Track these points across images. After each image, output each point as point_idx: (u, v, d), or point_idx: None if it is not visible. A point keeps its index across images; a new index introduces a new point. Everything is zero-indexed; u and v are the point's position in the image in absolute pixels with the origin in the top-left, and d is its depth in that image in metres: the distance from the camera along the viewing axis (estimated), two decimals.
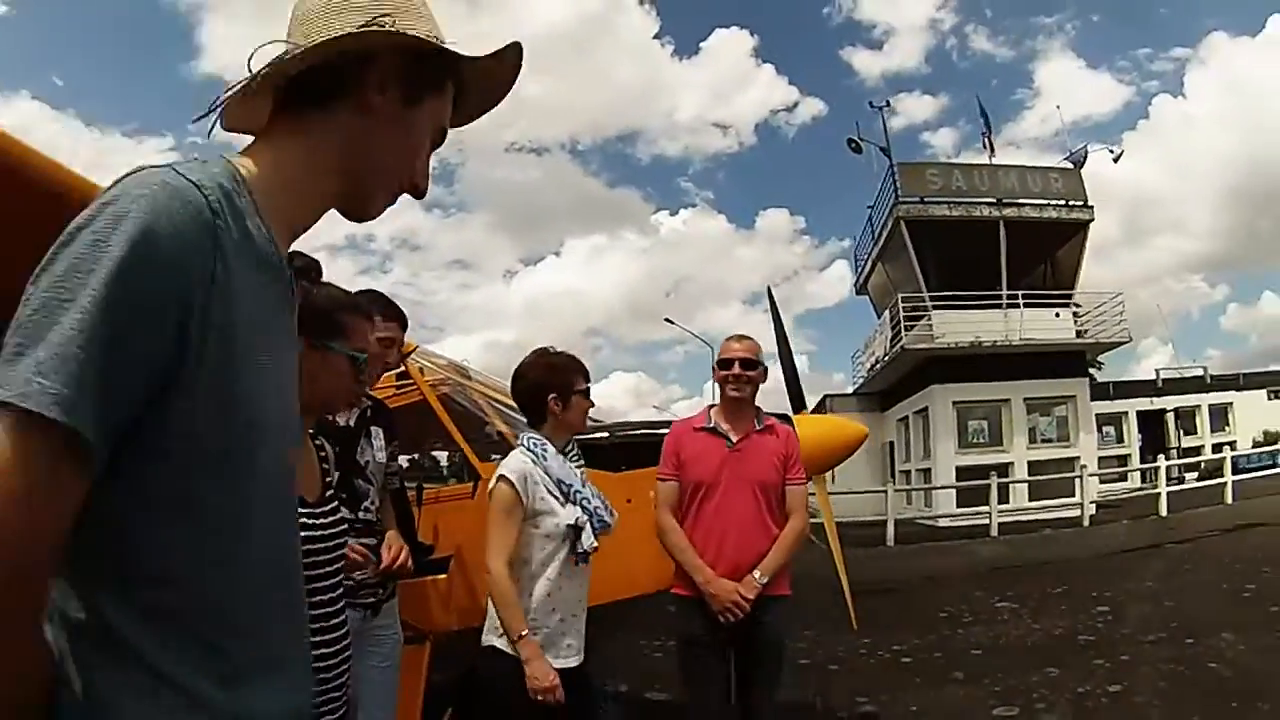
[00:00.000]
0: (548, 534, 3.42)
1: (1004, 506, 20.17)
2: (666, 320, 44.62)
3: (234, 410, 1.09)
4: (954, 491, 22.31)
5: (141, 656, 1.02)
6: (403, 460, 5.43)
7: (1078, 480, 20.46)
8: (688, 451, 4.15)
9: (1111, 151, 30.09)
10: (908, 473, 27.34)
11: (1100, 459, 26.70)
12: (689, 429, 4.24)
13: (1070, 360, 24.83)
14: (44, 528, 0.92)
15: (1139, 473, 26.66)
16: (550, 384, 3.63)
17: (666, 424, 4.67)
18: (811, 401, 35.12)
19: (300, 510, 2.10)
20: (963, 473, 22.92)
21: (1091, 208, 25.93)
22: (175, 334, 0.99)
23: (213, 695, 1.07)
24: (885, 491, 20.26)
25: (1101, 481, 24.66)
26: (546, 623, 3.41)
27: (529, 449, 3.51)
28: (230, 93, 1.23)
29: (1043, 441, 24.62)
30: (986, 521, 19.15)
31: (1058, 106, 50.60)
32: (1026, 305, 24.60)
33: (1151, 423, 34.21)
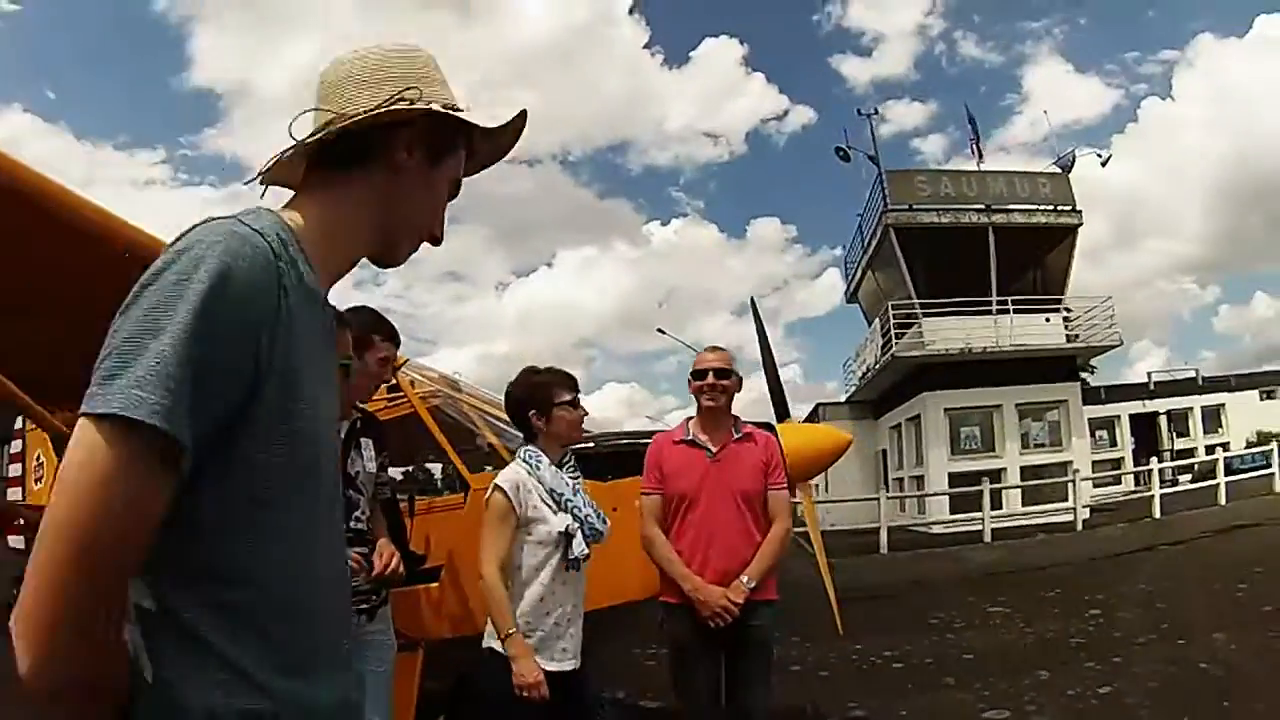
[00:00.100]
0: (540, 541, 3.55)
1: (997, 512, 20.20)
2: (659, 331, 44.56)
3: (297, 428, 1.24)
4: (947, 498, 22.34)
5: (211, 648, 1.14)
6: (396, 473, 5.47)
7: (1070, 484, 20.49)
8: (669, 465, 4.20)
9: (1099, 155, 30.15)
10: (901, 480, 27.30)
11: (1094, 463, 26.79)
12: (669, 442, 4.30)
13: (1061, 365, 24.82)
14: (140, 528, 1.07)
15: (1132, 476, 26.76)
16: (530, 400, 3.78)
17: (651, 433, 4.72)
18: (804, 410, 35.15)
19: None
20: (956, 479, 22.90)
21: (1080, 212, 25.96)
22: (250, 359, 1.15)
23: (275, 684, 1.19)
24: (878, 499, 20.24)
25: (1095, 485, 24.82)
26: (541, 626, 3.51)
27: (524, 460, 3.66)
28: (280, 156, 1.41)
29: (1035, 446, 24.59)
30: (980, 527, 19.20)
31: (1045, 111, 50.88)
32: (1016, 311, 24.62)
33: (1144, 425, 34.40)
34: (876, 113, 31.97)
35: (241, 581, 1.19)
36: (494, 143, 1.62)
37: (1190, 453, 31.31)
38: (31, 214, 3.08)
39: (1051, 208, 25.97)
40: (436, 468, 5.67)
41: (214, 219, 1.21)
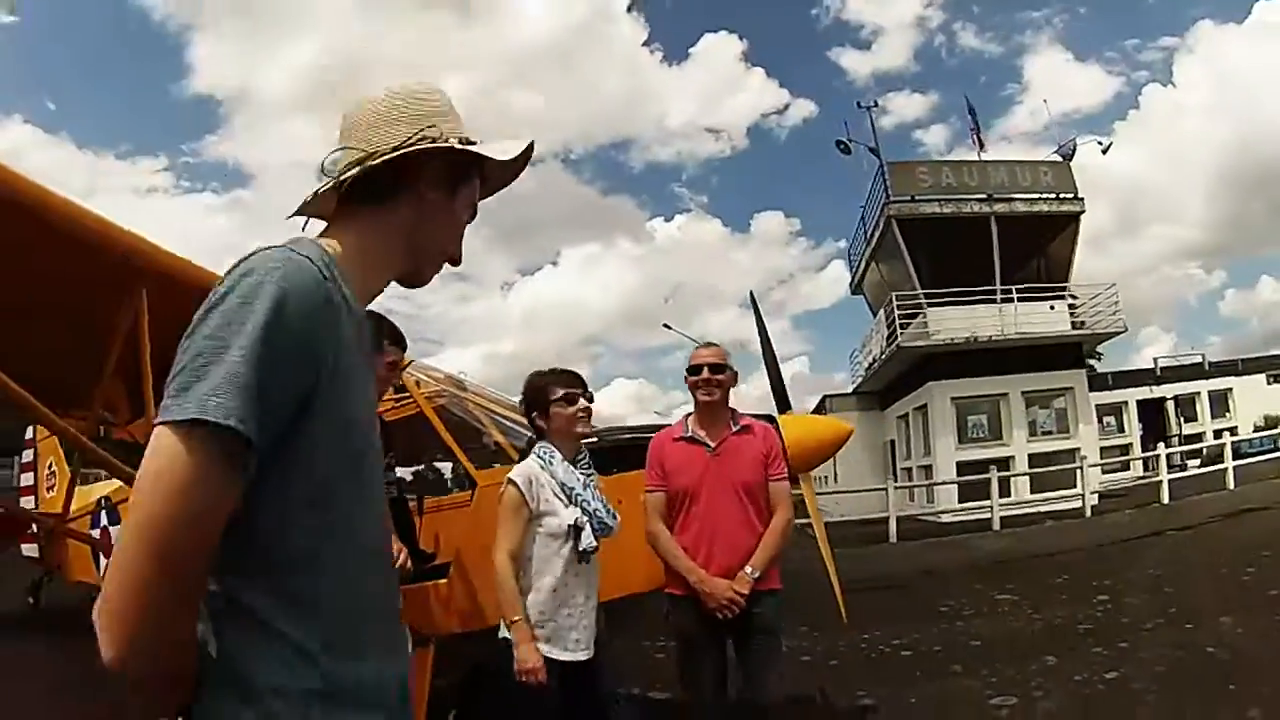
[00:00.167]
0: (551, 533, 3.68)
1: (1005, 500, 20.23)
2: (665, 326, 44.65)
3: (348, 431, 1.38)
4: (955, 487, 22.33)
5: (273, 631, 1.26)
6: (405, 473, 5.52)
7: (1078, 471, 20.47)
8: (670, 461, 4.27)
9: (1100, 143, 30.14)
10: (909, 470, 27.34)
11: (1102, 449, 26.75)
12: (669, 439, 4.37)
13: (1067, 352, 24.82)
14: (215, 525, 1.19)
15: (1140, 461, 26.70)
16: (532, 403, 3.96)
17: (655, 428, 4.77)
18: (811, 402, 35.28)
19: None
20: (963, 468, 22.90)
21: (1082, 200, 25.93)
22: (308, 368, 1.28)
23: (334, 664, 1.31)
24: (886, 489, 20.24)
25: (1104, 471, 24.72)
26: (554, 616, 3.64)
27: (538, 455, 3.81)
28: (319, 191, 1.56)
29: (1042, 434, 24.60)
30: (988, 515, 19.16)
31: (1044, 100, 50.73)
32: (1021, 299, 24.62)
33: (1152, 411, 34.29)
34: (876, 105, 31.96)
35: (301, 569, 1.31)
36: (505, 170, 1.73)
37: (1198, 438, 31.17)
38: (34, 226, 3.14)
39: (1053, 196, 25.94)
40: (443, 466, 5.71)
41: (268, 248, 1.33)
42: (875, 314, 29.82)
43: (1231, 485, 19.80)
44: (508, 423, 5.51)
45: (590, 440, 4.11)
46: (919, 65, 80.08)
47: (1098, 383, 31.62)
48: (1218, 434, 29.18)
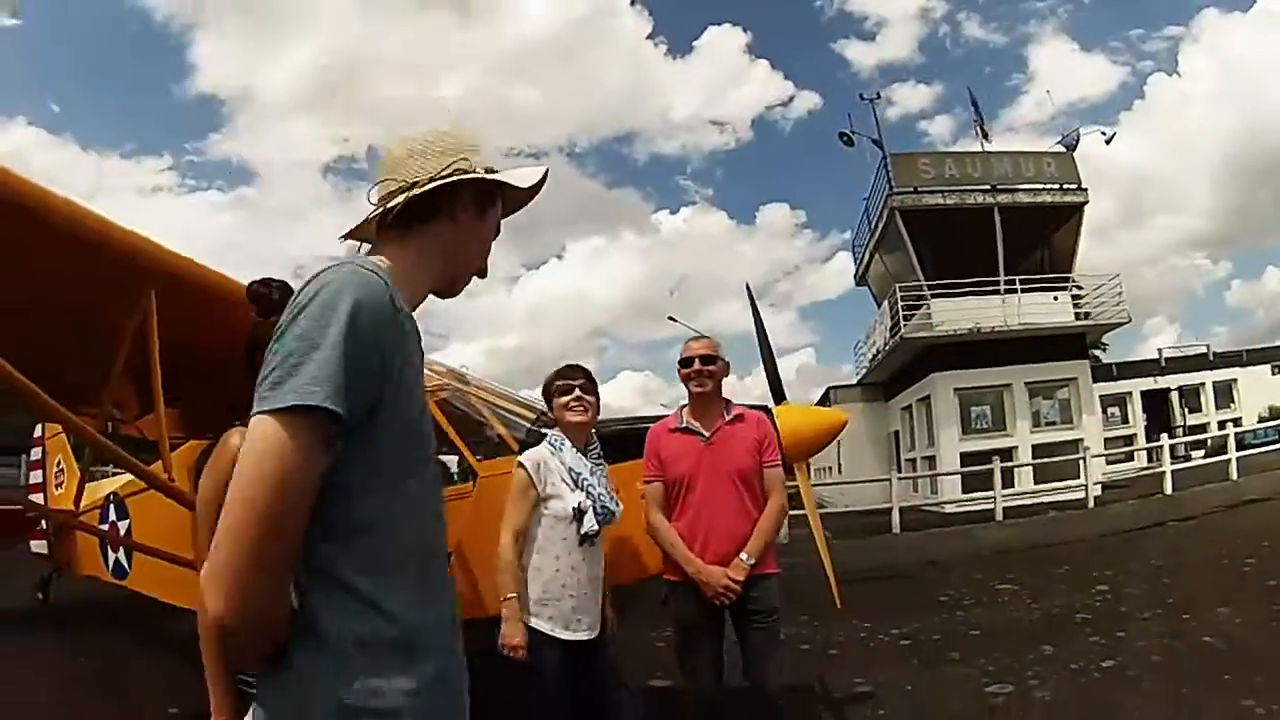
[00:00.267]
0: (556, 515, 3.86)
1: (1009, 491, 20.22)
2: (670, 319, 44.72)
3: (411, 410, 1.62)
4: (959, 477, 22.25)
5: (352, 587, 1.48)
6: None
7: (1081, 462, 20.49)
8: (666, 452, 4.36)
9: (1104, 133, 30.17)
10: (913, 460, 27.31)
11: (1106, 439, 26.84)
12: (665, 430, 4.46)
13: (1070, 343, 24.78)
14: (309, 494, 1.41)
15: (1145, 452, 26.71)
16: (544, 396, 4.20)
17: (652, 418, 4.86)
18: (816, 394, 35.32)
19: None
20: (967, 458, 22.82)
21: (1086, 190, 25.91)
22: (380, 361, 1.50)
23: (405, 615, 1.53)
24: (889, 480, 20.27)
25: (1108, 462, 24.76)
26: (558, 596, 3.80)
27: (550, 442, 4.01)
28: (369, 218, 1.79)
29: (1046, 425, 24.52)
30: (991, 506, 19.17)
31: (1048, 91, 50.62)
32: (1024, 290, 24.58)
33: (1156, 402, 34.33)
34: (879, 97, 32.04)
35: (376, 530, 1.54)
36: (524, 194, 1.96)
37: (1202, 428, 31.16)
38: (43, 230, 3.22)
39: (1057, 186, 25.95)
40: (446, 459, 5.79)
41: (338, 264, 1.57)
42: (879, 305, 29.85)
43: (1235, 476, 19.79)
44: (509, 415, 5.59)
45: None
46: (923, 56, 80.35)
47: (1102, 373, 31.69)
48: (1222, 425, 29.21)
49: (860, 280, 33.29)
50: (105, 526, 6.77)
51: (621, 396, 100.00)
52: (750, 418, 4.45)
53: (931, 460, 25.07)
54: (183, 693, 5.76)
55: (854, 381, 33.52)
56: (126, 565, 6.85)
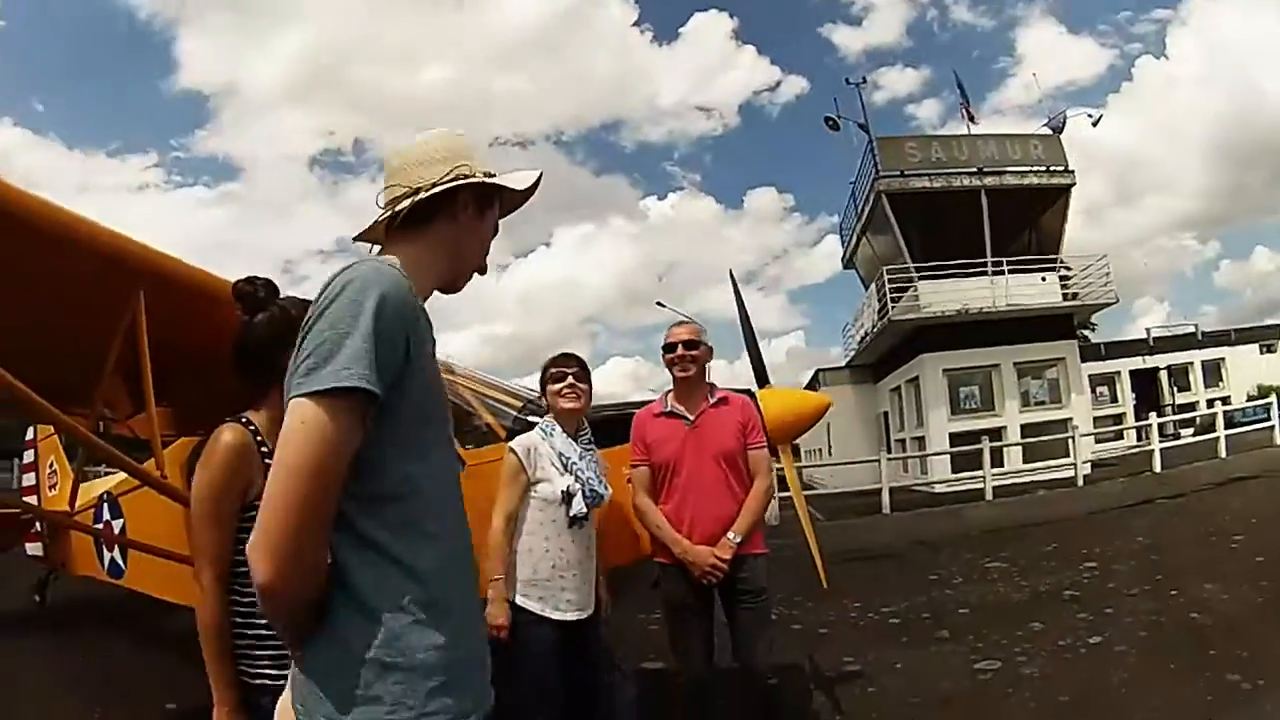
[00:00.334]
0: (546, 498, 3.96)
1: (998, 470, 20.23)
2: (658, 304, 44.68)
3: (429, 388, 1.74)
4: (948, 458, 22.35)
5: (377, 545, 1.62)
6: None
7: (1070, 441, 20.56)
8: (652, 436, 4.43)
9: (1090, 116, 30.24)
10: (903, 441, 27.43)
11: (1095, 418, 26.94)
12: (650, 415, 4.53)
13: (1058, 323, 24.91)
14: (344, 465, 1.55)
15: (1134, 431, 26.83)
16: (540, 383, 4.30)
17: (637, 404, 4.93)
18: (805, 376, 35.40)
19: None
20: (956, 439, 22.99)
21: (1072, 172, 26.01)
22: (403, 345, 1.62)
23: (435, 575, 1.66)
24: (879, 460, 20.33)
25: (1097, 441, 24.88)
26: (548, 577, 3.90)
27: (541, 428, 4.11)
28: (377, 221, 1.94)
29: (1035, 404, 24.70)
30: (981, 486, 19.24)
31: (1034, 74, 50.81)
32: (1012, 271, 24.67)
33: (1145, 381, 34.43)
34: (865, 81, 32.19)
35: (404, 498, 1.66)
36: (520, 195, 2.09)
37: (1191, 407, 31.28)
38: (29, 236, 3.25)
39: (1044, 169, 26.00)
40: None
41: (362, 260, 1.71)
42: (867, 288, 29.91)
43: (1223, 454, 19.82)
44: (496, 404, 5.64)
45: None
46: (911, 40, 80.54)
47: (1091, 353, 31.80)
48: (1210, 404, 29.40)
49: (848, 263, 33.41)
50: (100, 526, 6.79)
51: (612, 382, 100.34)
52: (734, 401, 4.52)
53: (921, 441, 25.22)
54: (180, 688, 5.84)
55: (843, 364, 33.67)
56: (122, 564, 6.86)
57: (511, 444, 4.07)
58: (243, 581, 2.50)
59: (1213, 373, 35.37)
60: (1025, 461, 21.98)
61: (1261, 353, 35.88)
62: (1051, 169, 26.05)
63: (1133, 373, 34.39)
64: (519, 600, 3.84)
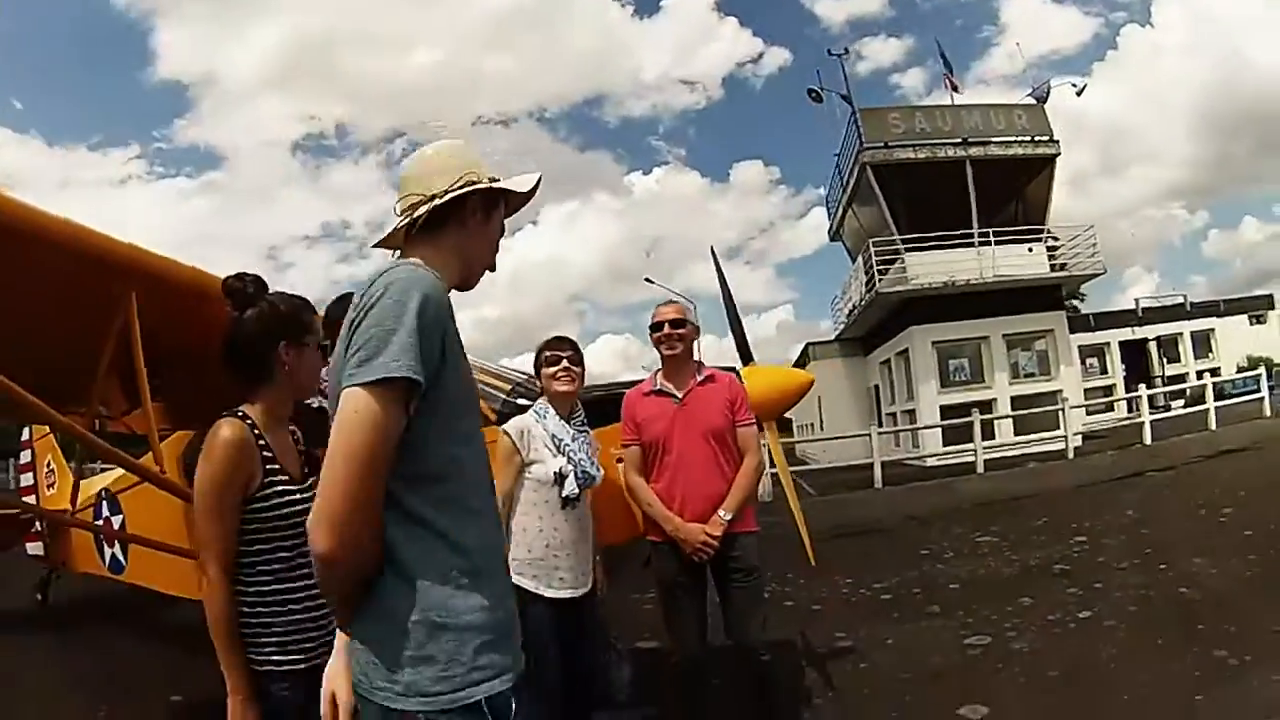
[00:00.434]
0: (539, 479, 4.03)
1: (989, 443, 20.39)
2: (646, 280, 44.52)
3: (463, 383, 1.90)
4: (939, 431, 22.50)
5: (425, 521, 1.78)
6: None
7: (1060, 413, 20.68)
8: (641, 415, 4.48)
9: (1074, 85, 30.20)
10: (894, 415, 27.56)
11: (1085, 390, 27.04)
12: (639, 395, 4.58)
13: (1046, 294, 25.01)
14: (392, 447, 1.71)
15: (1124, 402, 26.90)
16: (534, 366, 4.35)
17: (627, 384, 5.00)
18: (794, 351, 35.47)
19: (288, 488, 2.65)
20: (947, 411, 23.17)
21: (1057, 142, 26.09)
22: (440, 339, 1.80)
23: (467, 546, 1.81)
24: (869, 434, 20.39)
25: (1088, 413, 24.94)
26: (541, 556, 3.98)
27: (535, 410, 4.19)
28: (395, 228, 2.10)
29: (1025, 376, 24.83)
30: (972, 459, 19.37)
31: (1017, 44, 50.60)
32: (998, 242, 24.74)
33: (1135, 352, 34.57)
34: (847, 52, 32.18)
35: (445, 476, 1.83)
36: (522, 197, 2.25)
37: (1181, 378, 31.47)
38: (18, 242, 3.30)
39: (1028, 139, 26.07)
40: None
41: (400, 263, 1.89)
42: (854, 260, 29.94)
43: (1214, 426, 20.01)
44: (485, 387, 5.68)
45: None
46: (893, 10, 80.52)
47: (1080, 324, 31.92)
48: (1200, 375, 29.50)
49: (835, 236, 33.47)
50: (99, 522, 6.81)
51: (602, 361, 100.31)
52: (722, 378, 4.56)
53: (911, 414, 25.37)
54: (184, 680, 5.91)
55: (832, 337, 33.74)
56: (123, 560, 6.88)
57: (505, 427, 4.12)
58: (246, 572, 2.57)
59: (1202, 344, 35.53)
60: (1016, 434, 22.19)
61: (1251, 324, 36.04)
62: (1036, 139, 26.11)
63: (1122, 344, 34.53)
64: (514, 579, 3.88)
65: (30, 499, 9.83)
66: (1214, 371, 30.81)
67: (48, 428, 8.68)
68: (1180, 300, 37.59)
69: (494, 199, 2.17)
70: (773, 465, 5.63)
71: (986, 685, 5.37)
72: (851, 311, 29.84)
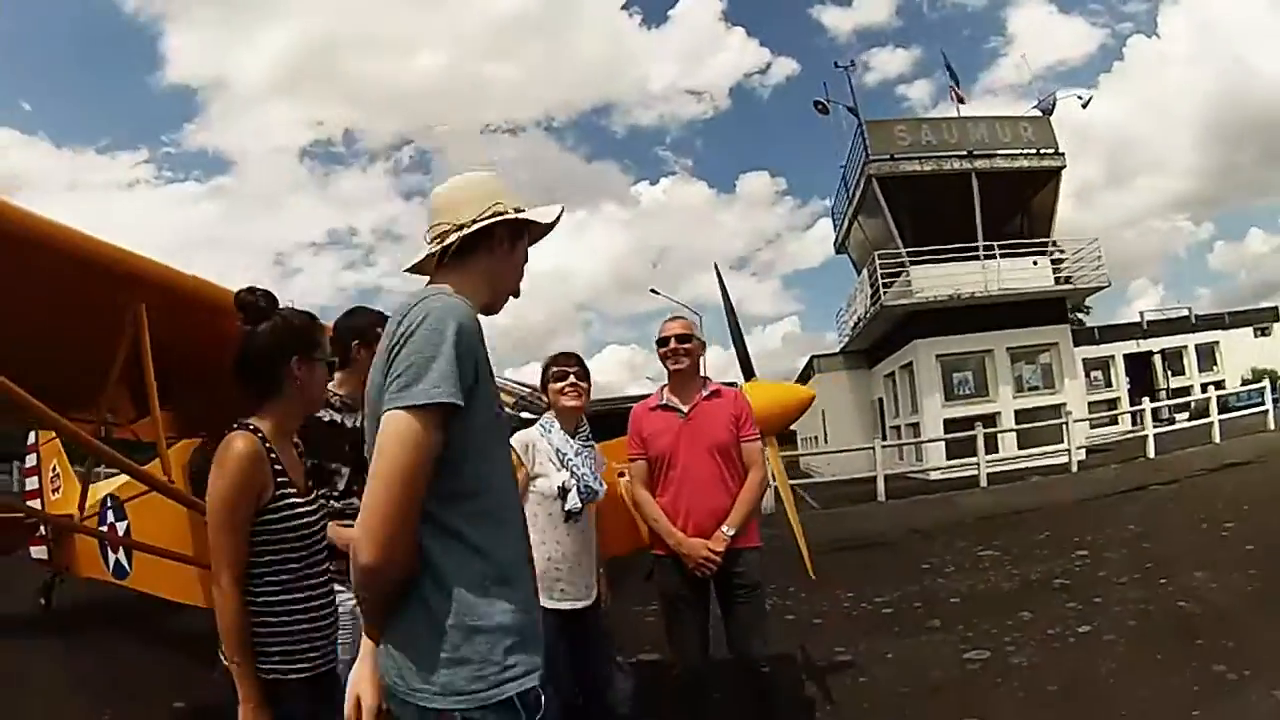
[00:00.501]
0: (542, 493, 4.09)
1: (993, 456, 20.39)
2: (652, 291, 44.48)
3: (491, 403, 2.02)
4: (943, 444, 22.39)
5: (459, 534, 1.90)
6: None
7: (1064, 426, 20.65)
8: (648, 429, 4.52)
9: (1079, 98, 30.23)
10: (898, 428, 27.50)
11: (1090, 403, 27.05)
12: (646, 409, 4.61)
13: (1051, 307, 24.94)
14: (432, 462, 1.83)
15: (1129, 416, 26.87)
16: (541, 382, 4.43)
17: (633, 398, 5.05)
18: (800, 363, 35.48)
19: (297, 500, 2.70)
20: (951, 425, 23.05)
21: (1063, 154, 26.04)
22: (474, 365, 1.91)
23: (497, 556, 1.93)
24: (873, 448, 20.39)
25: (1092, 426, 24.96)
26: (544, 569, 3.96)
27: (541, 424, 4.24)
28: (426, 255, 2.20)
29: (1029, 390, 24.77)
30: (976, 472, 19.32)
31: (1023, 55, 50.60)
32: (1003, 255, 24.70)
33: (1139, 365, 34.56)
34: (853, 64, 32.13)
35: (479, 493, 1.95)
36: (546, 227, 2.33)
37: (1185, 391, 31.48)
38: (30, 253, 3.35)
39: (1034, 151, 26.03)
40: None
41: (436, 293, 1.97)
42: (859, 273, 29.93)
43: (1217, 439, 20.01)
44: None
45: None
46: (901, 20, 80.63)
47: (1085, 337, 31.92)
48: (1205, 387, 29.48)
49: (840, 248, 33.45)
50: (104, 528, 6.84)
51: (607, 371, 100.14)
52: (727, 394, 4.60)
53: (915, 427, 25.28)
54: (187, 687, 5.94)
55: (837, 350, 33.68)
56: (127, 565, 6.91)
57: (510, 440, 4.13)
58: (254, 582, 2.60)
59: (1207, 356, 35.53)
60: (1020, 447, 22.17)
61: (1256, 336, 36.05)
62: (1042, 151, 26.09)
63: (1127, 357, 34.54)
64: None
65: (35, 503, 9.84)
66: (1219, 384, 30.84)
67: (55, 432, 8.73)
68: (1185, 313, 37.62)
69: (519, 229, 2.27)
70: (773, 479, 5.67)
71: (985, 700, 5.39)
72: (856, 324, 29.82)
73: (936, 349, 24.69)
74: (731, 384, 4.98)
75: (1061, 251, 25.78)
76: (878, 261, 25.43)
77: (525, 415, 4.57)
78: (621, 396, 5.70)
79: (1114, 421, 27.50)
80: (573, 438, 4.23)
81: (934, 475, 21.70)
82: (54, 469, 9.76)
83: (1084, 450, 20.86)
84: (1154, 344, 35.25)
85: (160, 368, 4.04)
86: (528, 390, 5.46)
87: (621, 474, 4.65)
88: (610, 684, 4.20)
